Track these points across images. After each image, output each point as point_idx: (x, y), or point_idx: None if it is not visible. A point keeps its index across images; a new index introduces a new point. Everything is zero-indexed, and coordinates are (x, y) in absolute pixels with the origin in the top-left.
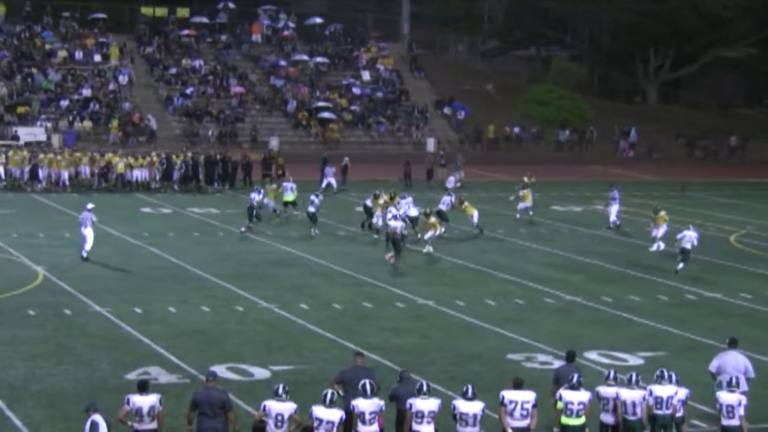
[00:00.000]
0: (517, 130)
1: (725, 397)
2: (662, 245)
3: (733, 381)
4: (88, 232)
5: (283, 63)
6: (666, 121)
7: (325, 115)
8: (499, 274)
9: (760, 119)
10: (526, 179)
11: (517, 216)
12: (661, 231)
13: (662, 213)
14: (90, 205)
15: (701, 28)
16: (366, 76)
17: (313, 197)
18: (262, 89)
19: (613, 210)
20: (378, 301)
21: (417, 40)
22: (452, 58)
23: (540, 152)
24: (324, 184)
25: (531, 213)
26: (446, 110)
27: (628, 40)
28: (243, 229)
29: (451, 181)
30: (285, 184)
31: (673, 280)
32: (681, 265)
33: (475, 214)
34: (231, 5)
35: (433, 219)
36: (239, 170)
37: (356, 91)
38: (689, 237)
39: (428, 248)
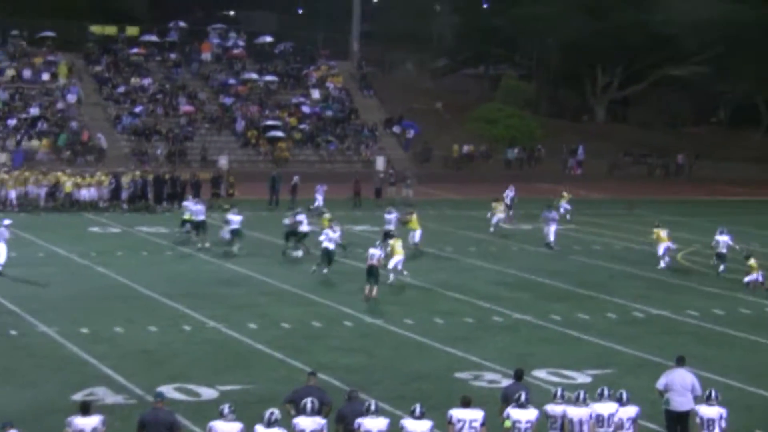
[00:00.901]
0: (465, 148)
1: (705, 410)
2: (667, 260)
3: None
4: (1, 248)
5: (232, 81)
6: (614, 140)
7: (275, 133)
8: (448, 293)
9: (707, 138)
10: (565, 193)
11: (491, 230)
12: (661, 248)
13: (663, 233)
14: (6, 221)
15: (649, 46)
16: (316, 94)
17: (327, 231)
18: (211, 108)
19: (551, 230)
20: (327, 320)
21: (367, 58)
22: (402, 76)
23: (489, 171)
24: (316, 203)
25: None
26: (396, 129)
27: (576, 59)
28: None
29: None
30: (187, 203)
31: (621, 298)
32: (722, 268)
33: (418, 232)
34: (182, 24)
35: (398, 247)
36: (188, 189)
37: (306, 109)
38: (723, 242)
39: (392, 278)
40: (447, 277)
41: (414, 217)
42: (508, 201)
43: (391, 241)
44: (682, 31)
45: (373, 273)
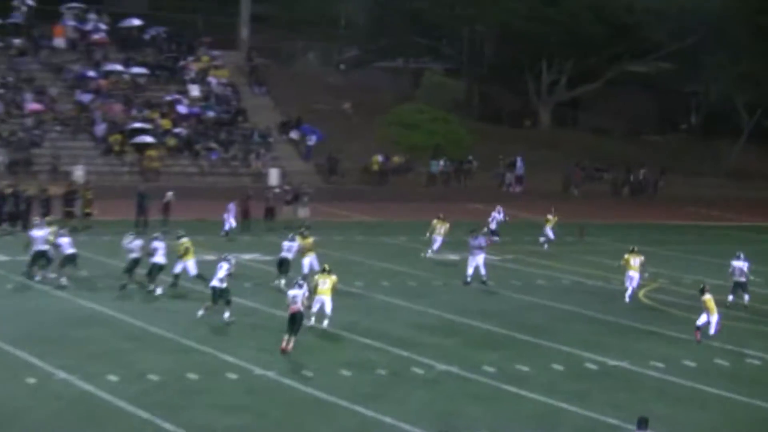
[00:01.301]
0: (381, 159)
1: None
2: (629, 293)
3: None
4: None
5: (91, 74)
6: (562, 149)
7: (143, 139)
8: (357, 338)
9: (675, 148)
10: (550, 216)
11: (428, 253)
12: (627, 279)
13: (634, 261)
14: None
15: (605, 36)
16: (195, 91)
17: (222, 263)
18: (64, 107)
19: (477, 261)
20: (205, 371)
21: (258, 47)
22: (302, 69)
23: (408, 187)
24: (227, 227)
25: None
26: (293, 134)
27: (517, 51)
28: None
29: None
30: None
31: (569, 345)
32: (747, 297)
33: (308, 260)
34: (29, 2)
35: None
36: (35, 207)
37: (182, 109)
38: (739, 269)
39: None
40: (355, 318)
41: (310, 241)
42: (493, 225)
43: (316, 277)
44: (644, 19)
45: (296, 320)
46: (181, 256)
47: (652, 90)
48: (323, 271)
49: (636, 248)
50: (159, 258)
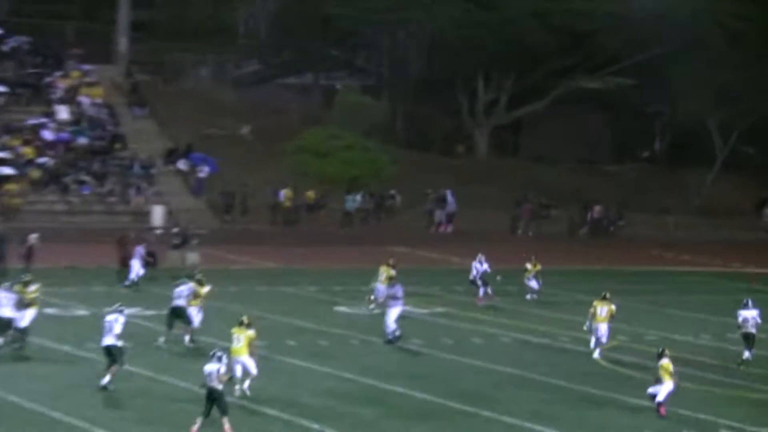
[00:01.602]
0: (281, 195)
1: None
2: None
3: None
4: None
5: None
6: (501, 182)
7: (2, 170)
8: (258, 408)
9: (636, 180)
10: (529, 265)
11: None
12: (595, 329)
13: (601, 310)
14: None
15: (552, 47)
16: (63, 113)
17: (116, 317)
18: None
19: (393, 314)
20: None
21: (140, 61)
22: (191, 87)
23: (318, 226)
24: (133, 276)
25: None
26: (181, 164)
27: (448, 64)
28: None
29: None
30: None
31: (511, 416)
32: (746, 354)
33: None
34: None
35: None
36: None
37: (48, 135)
38: (751, 319)
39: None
40: (257, 384)
41: (206, 290)
42: (476, 275)
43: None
44: (598, 27)
45: (215, 398)
46: (27, 305)
47: (608, 110)
48: (240, 324)
49: (608, 295)
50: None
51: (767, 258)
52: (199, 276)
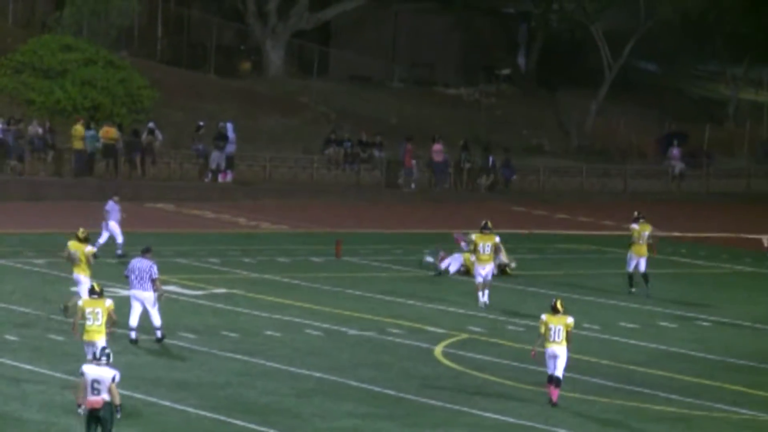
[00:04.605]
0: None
1: None
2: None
3: None
4: None
5: None
6: (302, 111)
7: None
8: None
9: (494, 107)
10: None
11: None
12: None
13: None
14: None
15: None
16: None
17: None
18: None
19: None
20: None
21: None
22: None
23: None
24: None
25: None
26: None
27: None
28: None
29: None
30: None
31: None
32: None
33: None
34: None
35: None
36: None
37: None
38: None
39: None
40: None
41: None
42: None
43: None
44: None
45: (100, 419)
46: None
47: (451, 11)
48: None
49: (490, 224)
50: None
51: (677, 217)
52: None
